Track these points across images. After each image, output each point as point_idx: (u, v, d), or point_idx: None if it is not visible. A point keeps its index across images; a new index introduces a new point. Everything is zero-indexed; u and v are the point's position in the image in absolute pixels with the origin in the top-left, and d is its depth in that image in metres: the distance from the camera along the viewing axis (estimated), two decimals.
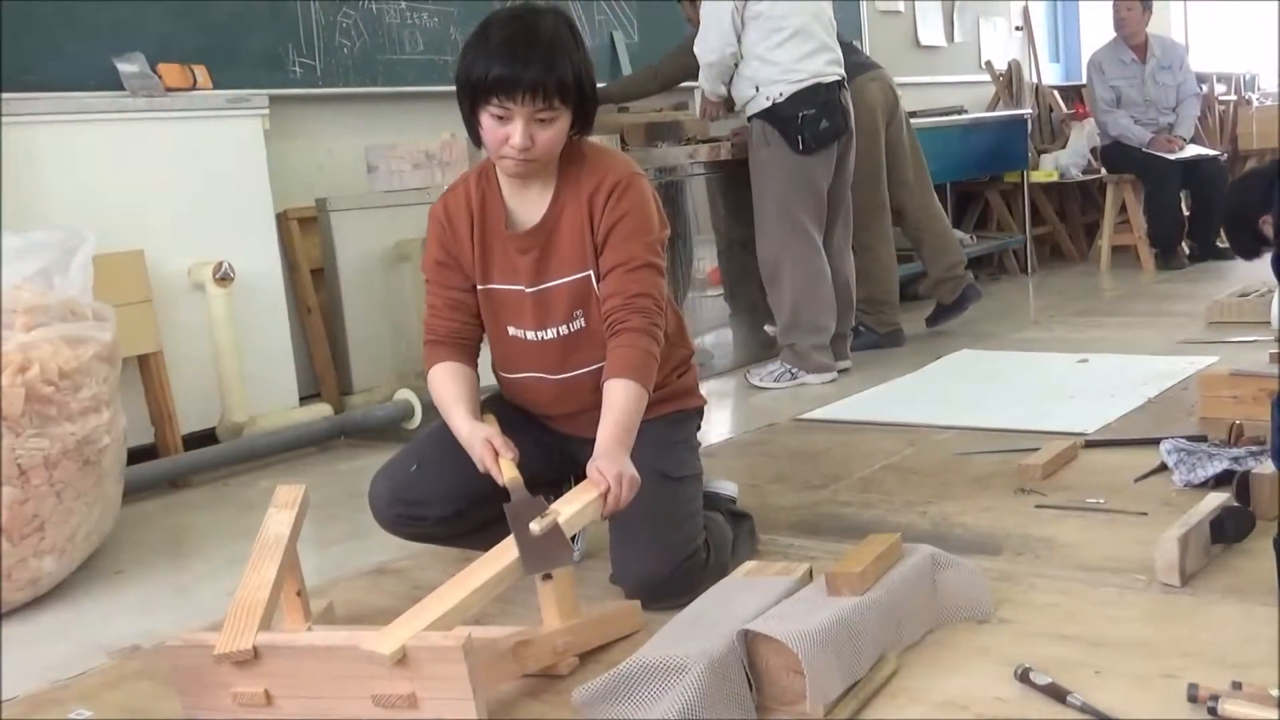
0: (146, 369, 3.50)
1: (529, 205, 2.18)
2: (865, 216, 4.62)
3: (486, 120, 2.04)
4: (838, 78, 4.14)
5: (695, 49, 4.18)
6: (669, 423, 2.27)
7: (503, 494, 1.99)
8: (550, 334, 2.19)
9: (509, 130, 2.02)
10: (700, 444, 2.39)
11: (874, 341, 4.70)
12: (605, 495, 1.93)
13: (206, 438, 3.67)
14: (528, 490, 1.96)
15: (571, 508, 1.91)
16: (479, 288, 2.21)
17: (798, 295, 4.11)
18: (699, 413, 2.40)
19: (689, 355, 2.37)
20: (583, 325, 2.18)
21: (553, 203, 2.16)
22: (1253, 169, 5.32)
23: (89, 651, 2.20)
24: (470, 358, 2.23)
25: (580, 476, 2.02)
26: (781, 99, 4.04)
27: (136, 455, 3.23)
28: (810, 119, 4.03)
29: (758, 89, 4.08)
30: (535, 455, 2.14)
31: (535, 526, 1.84)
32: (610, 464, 1.94)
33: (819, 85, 4.06)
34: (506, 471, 1.98)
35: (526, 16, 2.04)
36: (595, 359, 2.16)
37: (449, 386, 2.16)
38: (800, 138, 4.03)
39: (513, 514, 1.89)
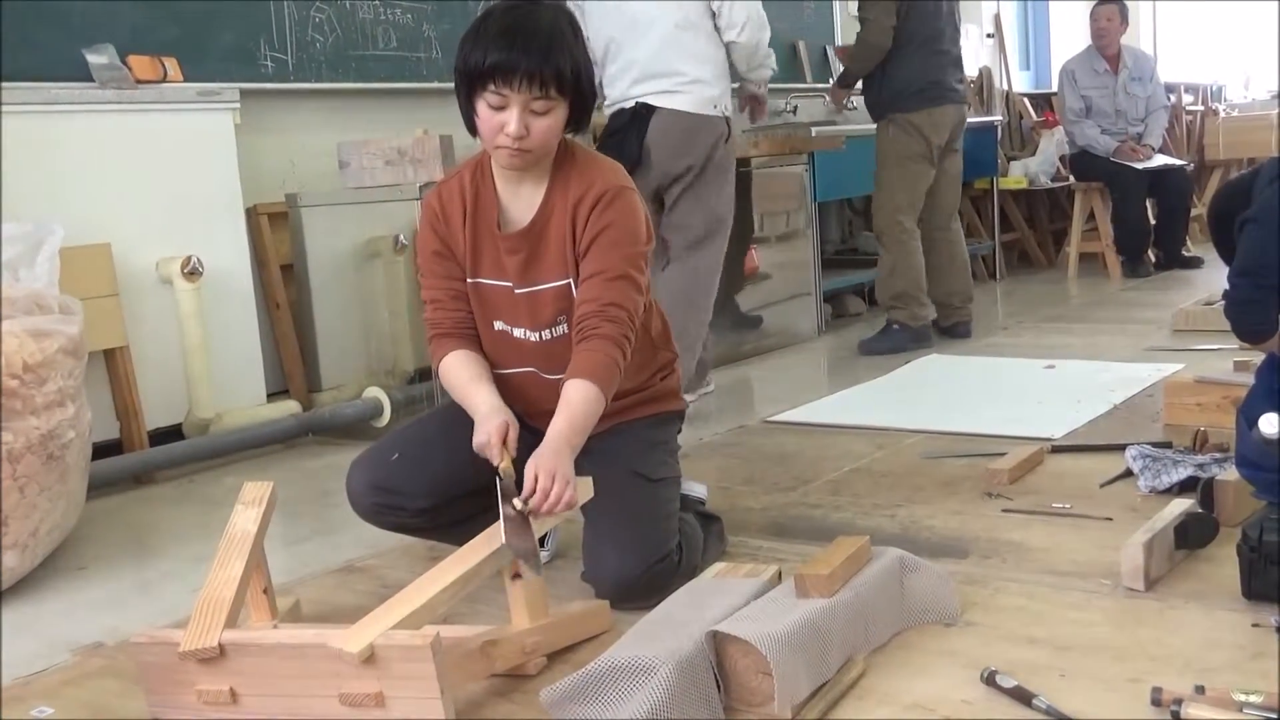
0: (113, 363, 3.47)
1: (521, 205, 2.17)
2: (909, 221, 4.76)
3: (483, 109, 2.04)
4: None
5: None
6: (650, 425, 2.27)
7: (482, 492, 1.99)
8: (534, 336, 2.18)
9: (505, 118, 2.02)
10: (680, 447, 2.39)
11: (900, 343, 4.63)
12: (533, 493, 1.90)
13: (173, 433, 3.65)
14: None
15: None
16: (469, 280, 2.20)
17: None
18: (680, 416, 2.39)
19: (673, 359, 2.37)
20: (565, 331, 2.17)
21: (542, 206, 2.15)
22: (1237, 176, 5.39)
23: (51, 648, 2.18)
24: (480, 347, 2.21)
25: None
26: None
27: (101, 450, 3.20)
28: None
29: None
30: None
31: (518, 503, 1.88)
32: (549, 460, 1.93)
33: None
34: (505, 458, 1.98)
35: (525, 8, 2.05)
36: None
37: (466, 369, 2.14)
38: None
39: (503, 489, 1.90)
